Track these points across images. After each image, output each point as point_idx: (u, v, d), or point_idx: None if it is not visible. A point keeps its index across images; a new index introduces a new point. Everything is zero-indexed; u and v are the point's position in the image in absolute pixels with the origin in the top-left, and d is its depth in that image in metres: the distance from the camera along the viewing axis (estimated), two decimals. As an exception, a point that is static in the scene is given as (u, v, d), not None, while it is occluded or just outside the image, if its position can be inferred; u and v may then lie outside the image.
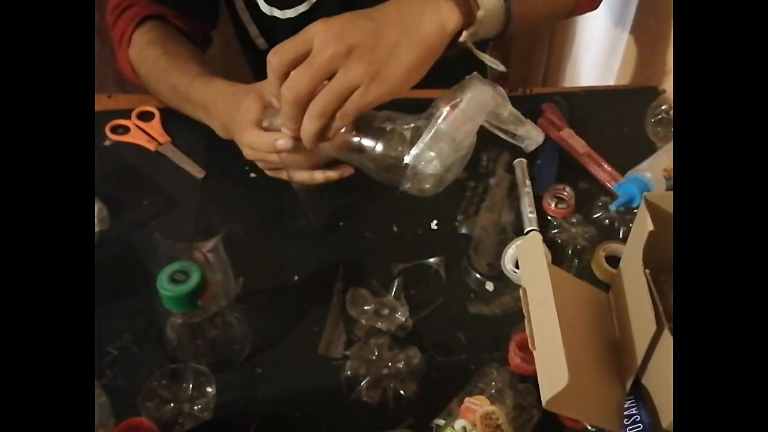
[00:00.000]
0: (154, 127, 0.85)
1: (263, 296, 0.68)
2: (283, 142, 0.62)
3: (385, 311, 0.65)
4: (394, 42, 0.57)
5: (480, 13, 0.61)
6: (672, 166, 0.75)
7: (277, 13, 0.87)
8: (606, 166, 0.81)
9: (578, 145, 0.82)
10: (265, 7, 0.87)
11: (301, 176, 0.69)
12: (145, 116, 0.86)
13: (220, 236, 0.62)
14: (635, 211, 0.73)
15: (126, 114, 0.86)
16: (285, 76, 0.57)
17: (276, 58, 0.57)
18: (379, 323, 0.64)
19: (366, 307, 0.64)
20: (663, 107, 0.86)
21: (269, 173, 0.75)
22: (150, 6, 0.84)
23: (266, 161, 0.72)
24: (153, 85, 0.83)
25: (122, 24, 0.84)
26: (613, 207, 0.75)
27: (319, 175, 0.69)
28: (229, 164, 0.80)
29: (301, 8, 0.86)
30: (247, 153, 0.71)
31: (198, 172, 0.80)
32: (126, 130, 0.85)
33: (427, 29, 0.59)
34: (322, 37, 0.55)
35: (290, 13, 0.86)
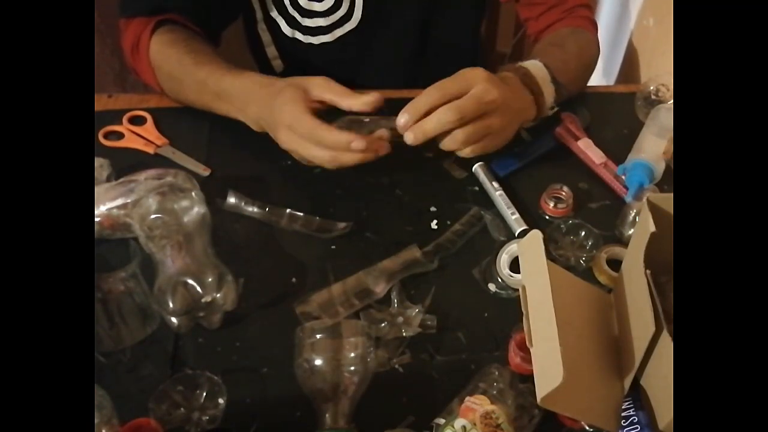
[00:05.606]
0: (149, 130, 0.84)
1: (263, 296, 0.68)
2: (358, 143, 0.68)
3: (400, 319, 0.65)
4: (515, 113, 0.76)
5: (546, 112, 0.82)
6: (665, 147, 0.78)
7: (300, 36, 0.91)
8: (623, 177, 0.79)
9: (595, 155, 0.81)
10: (287, 30, 0.90)
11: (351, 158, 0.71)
12: (137, 120, 0.85)
13: (136, 261, 0.65)
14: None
15: (117, 118, 0.84)
16: (436, 106, 0.69)
17: (439, 92, 0.70)
18: (404, 331, 0.64)
19: (382, 325, 0.65)
20: (651, 88, 0.88)
21: (304, 161, 0.74)
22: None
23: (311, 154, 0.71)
24: (175, 85, 0.82)
25: (135, 28, 0.82)
26: (629, 198, 0.75)
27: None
28: (230, 162, 0.80)
29: (325, 38, 0.91)
30: (289, 142, 0.72)
31: (203, 170, 0.80)
32: (120, 136, 0.83)
33: (525, 118, 0.80)
34: (487, 86, 0.70)
35: (313, 40, 0.92)
